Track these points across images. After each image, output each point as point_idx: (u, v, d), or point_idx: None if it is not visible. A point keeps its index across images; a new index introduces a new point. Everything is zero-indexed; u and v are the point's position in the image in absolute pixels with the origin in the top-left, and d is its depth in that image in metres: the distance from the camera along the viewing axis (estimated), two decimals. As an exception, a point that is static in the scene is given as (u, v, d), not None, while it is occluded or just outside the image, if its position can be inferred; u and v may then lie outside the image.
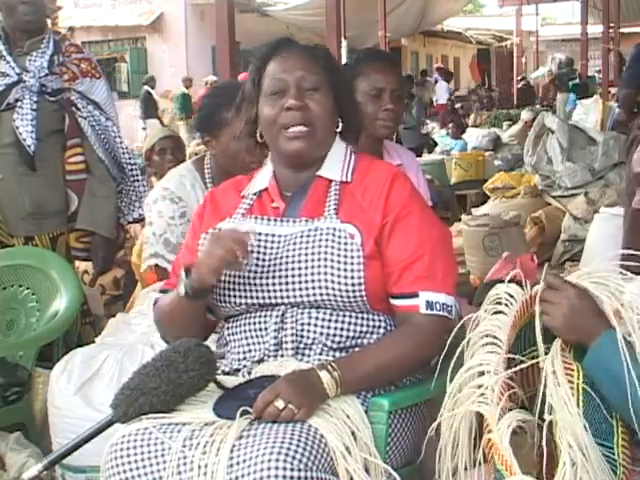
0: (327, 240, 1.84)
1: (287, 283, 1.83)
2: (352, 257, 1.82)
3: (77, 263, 3.68)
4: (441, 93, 18.95)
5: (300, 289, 1.83)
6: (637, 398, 1.42)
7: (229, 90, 2.86)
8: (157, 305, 2.03)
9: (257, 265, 1.87)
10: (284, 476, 1.53)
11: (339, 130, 1.99)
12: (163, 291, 2.07)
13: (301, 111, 1.89)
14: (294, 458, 1.55)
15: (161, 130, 5.25)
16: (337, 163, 1.97)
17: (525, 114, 11.97)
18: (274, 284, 1.85)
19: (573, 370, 1.50)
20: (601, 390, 1.48)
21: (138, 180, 3.58)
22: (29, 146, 3.27)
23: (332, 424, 1.67)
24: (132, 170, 3.57)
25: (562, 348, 1.53)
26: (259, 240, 1.90)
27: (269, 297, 1.85)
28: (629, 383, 1.41)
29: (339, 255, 1.82)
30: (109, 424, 1.77)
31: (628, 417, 1.45)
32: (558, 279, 1.57)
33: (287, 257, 1.85)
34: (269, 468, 1.53)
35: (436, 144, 11.12)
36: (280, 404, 1.65)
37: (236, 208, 2.00)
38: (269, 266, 1.86)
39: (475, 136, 11.07)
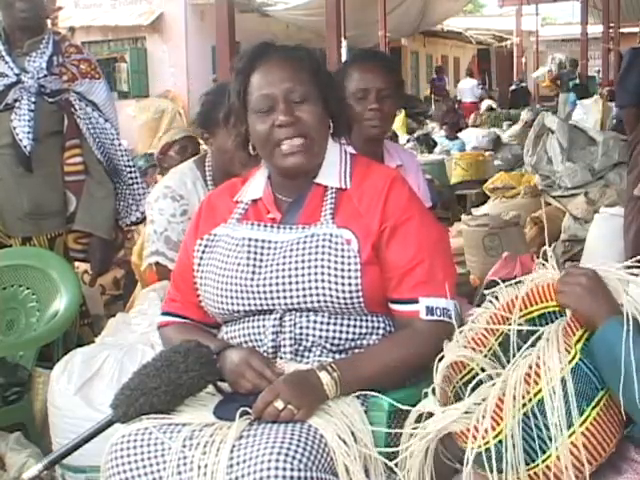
0: (324, 246, 1.83)
1: (284, 290, 1.83)
2: (349, 263, 1.81)
3: (77, 263, 3.68)
4: (467, 91, 18.86)
5: (297, 296, 1.82)
6: (631, 385, 1.44)
7: (226, 90, 2.87)
8: (167, 337, 2.01)
9: (254, 272, 1.86)
10: (284, 476, 1.53)
11: (331, 131, 1.96)
12: (166, 313, 2.06)
13: (293, 126, 1.86)
14: (294, 458, 1.55)
15: (184, 129, 5.23)
16: (334, 169, 1.94)
17: (525, 114, 11.98)
18: (271, 291, 1.84)
19: (571, 348, 1.53)
20: (602, 372, 1.51)
21: (137, 183, 3.55)
22: (25, 147, 3.26)
23: (332, 424, 1.67)
24: (130, 172, 3.53)
25: (566, 332, 1.55)
26: (255, 247, 1.89)
27: (266, 304, 1.85)
28: (624, 369, 1.45)
29: (336, 261, 1.81)
30: (109, 424, 1.77)
31: (624, 401, 1.48)
32: (576, 266, 1.65)
33: (284, 264, 1.84)
34: (269, 468, 1.54)
35: (436, 144, 11.12)
36: (280, 405, 1.65)
37: (231, 213, 1.98)
38: (266, 273, 1.85)
39: (475, 136, 11.06)
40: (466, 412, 1.54)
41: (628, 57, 4.64)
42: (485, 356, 1.71)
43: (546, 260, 1.68)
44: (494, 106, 16.20)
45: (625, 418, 1.54)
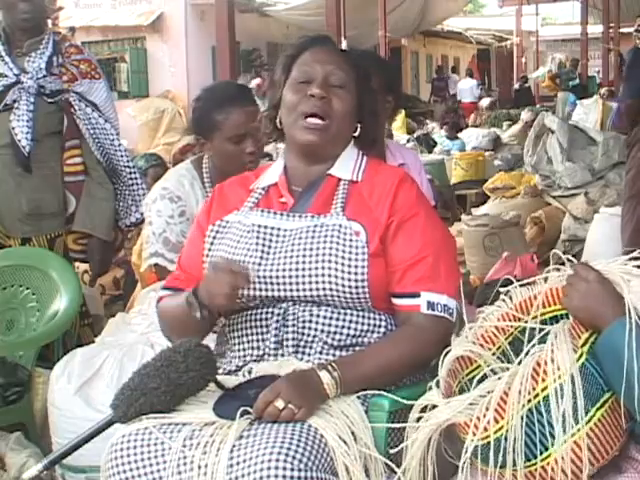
0: (332, 236, 1.85)
1: (290, 277, 1.84)
2: (357, 254, 1.83)
3: (77, 263, 3.67)
4: (466, 91, 18.91)
5: (303, 283, 1.83)
6: (633, 388, 1.44)
7: (218, 92, 2.87)
8: (162, 307, 2.02)
9: (261, 258, 1.88)
10: (284, 476, 1.53)
11: (355, 135, 2.01)
12: (167, 288, 2.06)
13: (322, 102, 1.91)
14: (294, 458, 1.55)
15: None
16: (349, 164, 1.98)
17: (525, 114, 11.98)
18: (277, 277, 1.85)
19: (578, 349, 1.53)
20: (606, 374, 1.51)
21: (137, 183, 3.54)
22: (24, 147, 3.26)
23: (332, 424, 1.67)
24: (130, 173, 3.52)
25: (572, 335, 1.54)
26: (265, 233, 1.91)
27: (272, 290, 1.86)
28: (627, 371, 1.45)
29: (344, 252, 1.83)
30: (109, 424, 1.77)
31: (627, 403, 1.48)
32: (583, 265, 1.61)
33: (292, 251, 1.86)
34: (269, 468, 1.54)
35: (436, 144, 11.12)
36: (280, 404, 1.65)
37: (243, 202, 2.01)
38: (273, 259, 1.87)
39: (475, 136, 11.07)
40: (470, 404, 1.54)
41: (632, 54, 4.68)
42: (494, 354, 1.72)
43: (561, 263, 1.68)
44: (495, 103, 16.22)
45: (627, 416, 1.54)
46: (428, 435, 1.60)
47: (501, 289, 1.78)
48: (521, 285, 1.76)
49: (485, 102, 16.08)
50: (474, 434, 1.51)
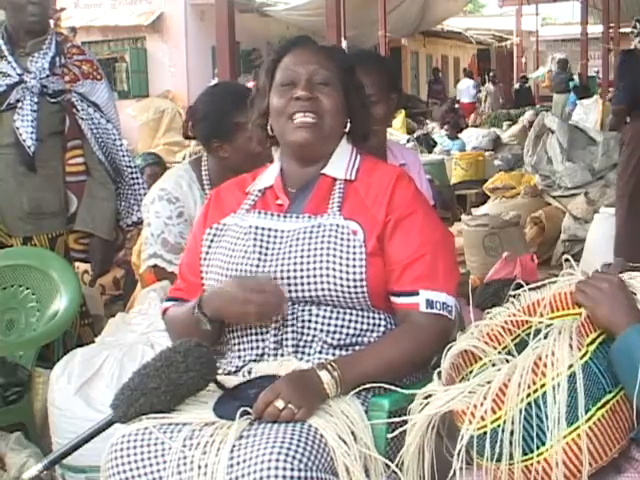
0: (330, 236, 1.85)
1: (289, 278, 1.84)
2: (354, 253, 1.83)
3: (77, 263, 3.68)
4: (464, 91, 18.93)
5: (302, 284, 1.83)
6: None
7: (237, 92, 2.84)
8: (169, 318, 2.03)
9: (259, 260, 1.87)
10: (284, 476, 1.53)
11: (347, 131, 2.00)
12: (170, 299, 2.06)
13: (309, 102, 1.91)
14: (294, 458, 1.55)
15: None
16: (342, 162, 1.98)
17: (527, 116, 11.98)
18: (275, 279, 1.84)
19: (583, 347, 1.53)
20: (622, 379, 1.51)
21: (138, 183, 3.56)
22: (29, 147, 3.27)
23: (332, 424, 1.67)
24: (132, 173, 3.54)
25: (579, 333, 1.55)
26: (262, 235, 1.90)
27: None
28: None
29: (342, 251, 1.83)
30: (109, 424, 1.77)
31: None
32: (603, 271, 1.64)
33: (290, 252, 1.85)
34: (269, 468, 1.54)
35: (436, 144, 11.13)
36: (280, 404, 1.65)
37: (240, 204, 2.00)
38: (272, 261, 1.86)
39: (475, 136, 11.08)
40: (469, 392, 1.54)
41: (620, 58, 4.69)
42: (499, 353, 1.72)
43: (571, 266, 1.69)
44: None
45: (632, 422, 1.53)
46: (426, 421, 1.60)
47: (511, 292, 1.78)
48: (531, 289, 1.76)
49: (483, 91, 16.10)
50: (470, 422, 1.51)
